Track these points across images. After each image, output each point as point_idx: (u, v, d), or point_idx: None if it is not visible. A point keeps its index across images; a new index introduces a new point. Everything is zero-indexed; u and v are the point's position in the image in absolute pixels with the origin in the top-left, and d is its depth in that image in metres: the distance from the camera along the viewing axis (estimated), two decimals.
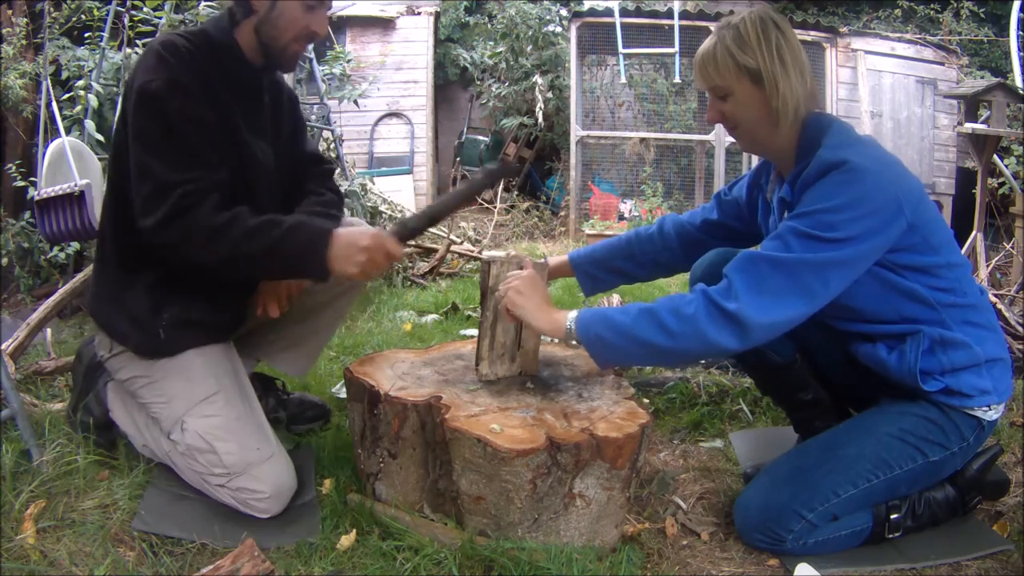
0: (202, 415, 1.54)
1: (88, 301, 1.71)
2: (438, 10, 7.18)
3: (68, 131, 3.47)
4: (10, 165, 4.02)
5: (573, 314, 1.43)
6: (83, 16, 3.96)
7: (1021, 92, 4.18)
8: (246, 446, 1.53)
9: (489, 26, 8.09)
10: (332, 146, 4.91)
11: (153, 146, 1.43)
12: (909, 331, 1.44)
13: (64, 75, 4.27)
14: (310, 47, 4.19)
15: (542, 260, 1.78)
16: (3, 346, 2.29)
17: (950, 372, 1.43)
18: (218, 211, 1.42)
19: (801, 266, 1.32)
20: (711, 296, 1.34)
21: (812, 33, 6.13)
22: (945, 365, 1.42)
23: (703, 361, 2.29)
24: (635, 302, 1.43)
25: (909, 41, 6.31)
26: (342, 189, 2.37)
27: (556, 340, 1.54)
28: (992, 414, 1.46)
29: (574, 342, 1.42)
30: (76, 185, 2.54)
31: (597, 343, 1.40)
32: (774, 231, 1.39)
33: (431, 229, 1.68)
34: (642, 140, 6.19)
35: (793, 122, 1.44)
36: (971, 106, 4.31)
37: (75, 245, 3.65)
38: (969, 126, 4.09)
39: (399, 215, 5.15)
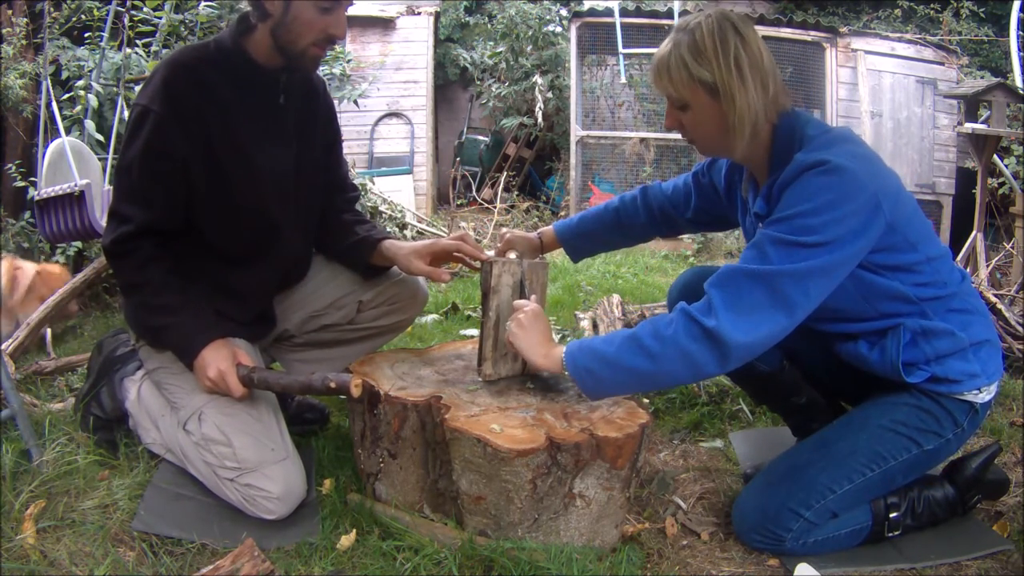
0: (222, 408, 1.56)
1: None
2: (438, 10, 7.17)
3: (68, 131, 3.46)
4: (10, 165, 4.02)
5: (562, 351, 1.43)
6: (83, 16, 3.95)
7: (1021, 92, 4.18)
8: (262, 444, 1.54)
9: (489, 26, 8.09)
10: None
11: (123, 166, 1.54)
12: (889, 326, 1.43)
13: (64, 75, 4.26)
14: None
15: (541, 260, 1.78)
16: (3, 346, 2.29)
17: (935, 360, 1.42)
18: (139, 268, 1.55)
19: (780, 277, 1.29)
20: (690, 313, 1.32)
21: (812, 33, 6.13)
22: (929, 354, 1.42)
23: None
24: (623, 329, 1.43)
25: (909, 41, 6.31)
26: None
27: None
28: (984, 396, 1.46)
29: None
30: (76, 185, 2.54)
31: (587, 376, 1.39)
32: (752, 239, 1.37)
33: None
34: (642, 140, 6.19)
35: (754, 133, 1.39)
36: (971, 106, 4.31)
37: (76, 245, 3.65)
38: (969, 126, 4.09)
39: (399, 215, 5.15)
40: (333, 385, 1.45)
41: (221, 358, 1.54)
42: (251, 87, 1.57)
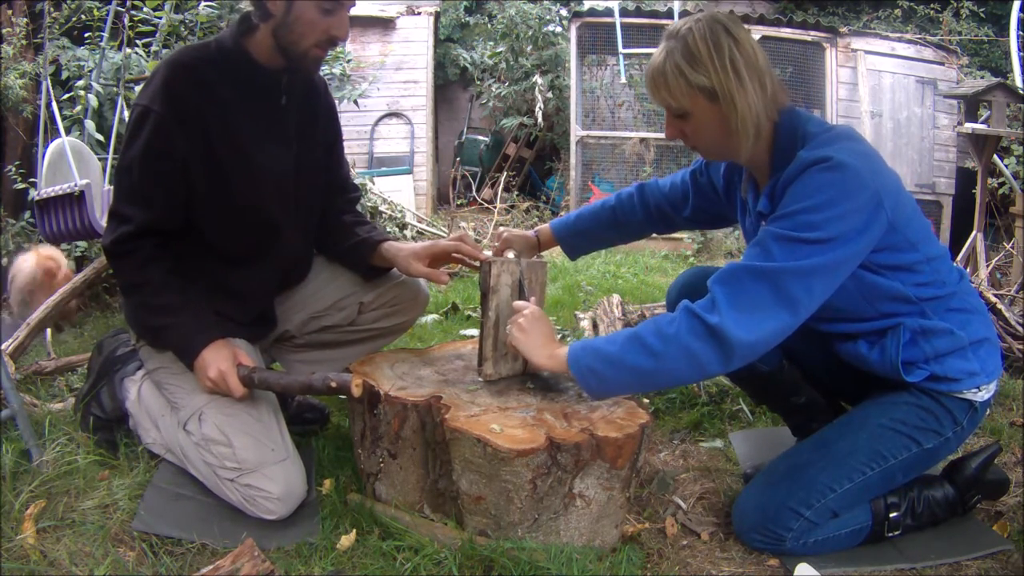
0: (222, 409, 1.56)
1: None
2: (438, 10, 7.17)
3: (68, 131, 3.47)
4: (10, 168, 4.02)
5: (566, 350, 1.42)
6: (83, 16, 3.95)
7: (1021, 92, 4.19)
8: (262, 445, 1.54)
9: (489, 26, 8.10)
10: None
11: (123, 167, 1.54)
12: (889, 326, 1.43)
13: (64, 75, 4.27)
14: None
15: (541, 259, 1.78)
16: (3, 346, 2.29)
17: (934, 359, 1.42)
18: (139, 268, 1.55)
19: (783, 275, 1.28)
20: (693, 311, 1.31)
21: (812, 33, 6.13)
22: (928, 353, 1.42)
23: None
24: (626, 329, 1.42)
25: (909, 41, 6.31)
26: None
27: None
28: (983, 395, 1.46)
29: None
30: (76, 185, 2.54)
31: (590, 376, 1.38)
32: (755, 238, 1.37)
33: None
34: (642, 140, 6.19)
35: (757, 134, 1.38)
36: (971, 106, 4.31)
37: (80, 245, 3.65)
38: (969, 126, 4.09)
39: (399, 215, 5.15)
40: (334, 385, 1.45)
41: (221, 358, 1.53)
42: (252, 87, 1.57)
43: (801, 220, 1.29)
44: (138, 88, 3.51)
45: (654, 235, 1.92)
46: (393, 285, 1.87)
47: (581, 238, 1.85)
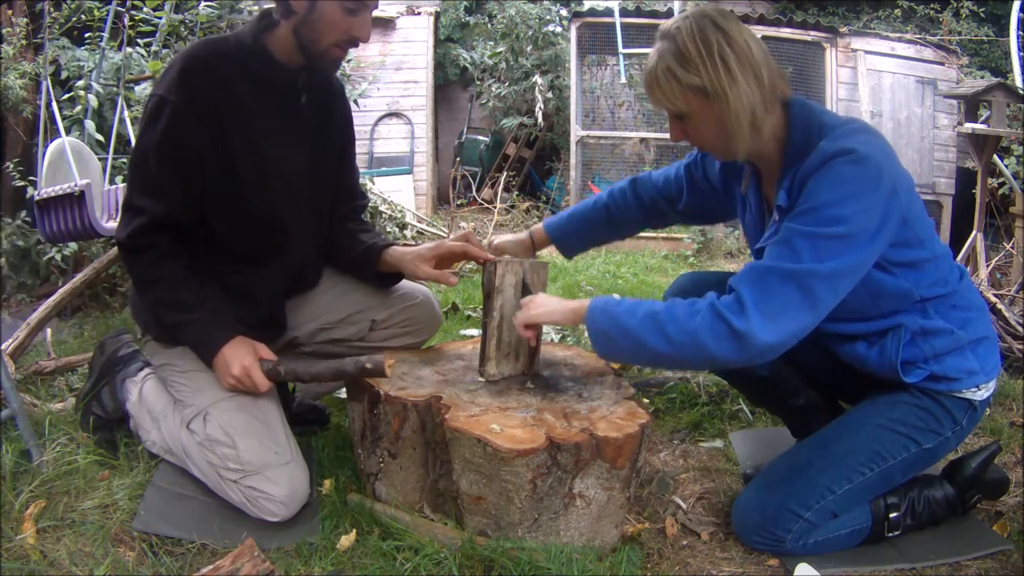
0: (227, 410, 1.55)
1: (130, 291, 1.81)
2: (438, 10, 7.18)
3: (68, 131, 3.47)
4: (8, 164, 4.02)
5: (587, 303, 1.43)
6: (83, 16, 3.95)
7: (1021, 92, 4.18)
8: (266, 447, 1.53)
9: (489, 26, 8.10)
10: None
11: (138, 157, 1.53)
12: (890, 326, 1.43)
13: (64, 75, 4.26)
14: None
15: (543, 260, 1.79)
16: (3, 346, 2.29)
17: (933, 358, 1.42)
18: (155, 263, 1.54)
19: (811, 277, 1.27)
20: (719, 310, 1.29)
21: (812, 33, 6.13)
22: (927, 353, 1.42)
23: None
24: (647, 301, 1.41)
25: (909, 41, 6.32)
26: None
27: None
28: (982, 393, 1.46)
29: None
30: (76, 185, 2.54)
31: (602, 338, 1.39)
32: (758, 235, 1.35)
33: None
34: (642, 140, 6.19)
35: (755, 128, 1.35)
36: (971, 106, 4.31)
37: (73, 245, 3.65)
38: (969, 126, 4.09)
39: (399, 215, 5.15)
40: (369, 367, 1.44)
41: (243, 354, 1.52)
42: (269, 84, 1.56)
43: (826, 215, 1.27)
44: (138, 88, 3.52)
45: (653, 234, 1.92)
46: (409, 305, 1.86)
47: (575, 239, 1.85)
